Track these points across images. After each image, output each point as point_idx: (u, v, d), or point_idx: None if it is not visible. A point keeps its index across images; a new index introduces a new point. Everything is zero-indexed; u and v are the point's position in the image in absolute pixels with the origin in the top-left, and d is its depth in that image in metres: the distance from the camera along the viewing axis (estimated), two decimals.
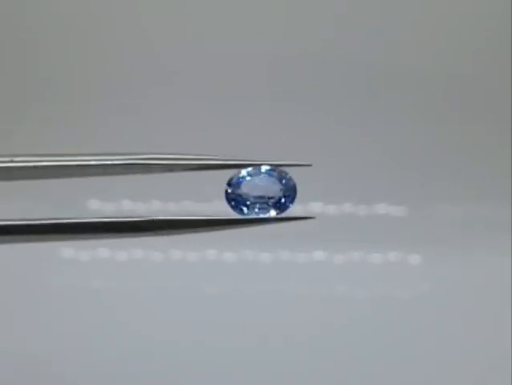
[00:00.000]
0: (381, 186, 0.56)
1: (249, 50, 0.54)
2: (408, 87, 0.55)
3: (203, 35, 0.54)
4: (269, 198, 0.27)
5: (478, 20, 0.53)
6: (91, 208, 0.56)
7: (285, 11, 0.54)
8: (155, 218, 0.25)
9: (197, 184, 0.48)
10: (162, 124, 0.55)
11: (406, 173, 0.56)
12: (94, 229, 0.25)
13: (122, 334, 0.49)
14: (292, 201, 0.27)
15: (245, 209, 0.26)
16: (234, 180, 0.27)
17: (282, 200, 0.27)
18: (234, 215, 0.26)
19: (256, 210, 0.26)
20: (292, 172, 0.55)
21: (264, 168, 0.27)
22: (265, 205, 0.26)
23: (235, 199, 0.27)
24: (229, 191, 0.27)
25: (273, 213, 0.26)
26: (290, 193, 0.27)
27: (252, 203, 0.26)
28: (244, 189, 0.27)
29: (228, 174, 0.27)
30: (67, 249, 0.55)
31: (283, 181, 0.27)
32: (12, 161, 0.25)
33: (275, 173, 0.27)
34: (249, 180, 0.27)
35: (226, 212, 0.27)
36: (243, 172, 0.27)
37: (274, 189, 0.27)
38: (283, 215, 0.26)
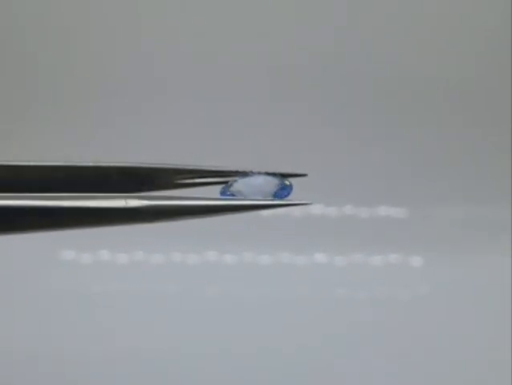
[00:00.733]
0: (382, 188, 0.56)
1: (249, 58, 0.54)
2: (409, 89, 0.55)
3: (203, 36, 0.54)
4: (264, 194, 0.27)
5: (478, 20, 0.53)
6: None
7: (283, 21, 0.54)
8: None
9: None
10: (162, 125, 0.55)
11: (407, 175, 0.56)
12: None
13: (122, 335, 0.49)
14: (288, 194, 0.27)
15: None
16: (230, 182, 0.27)
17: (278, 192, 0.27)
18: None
19: None
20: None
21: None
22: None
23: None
24: (224, 190, 0.27)
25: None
26: (285, 188, 0.27)
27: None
28: (239, 187, 0.27)
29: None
30: (68, 252, 0.55)
31: (278, 182, 0.27)
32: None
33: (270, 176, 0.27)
34: (243, 180, 0.27)
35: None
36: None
37: (269, 185, 0.27)
38: (280, 201, 0.26)
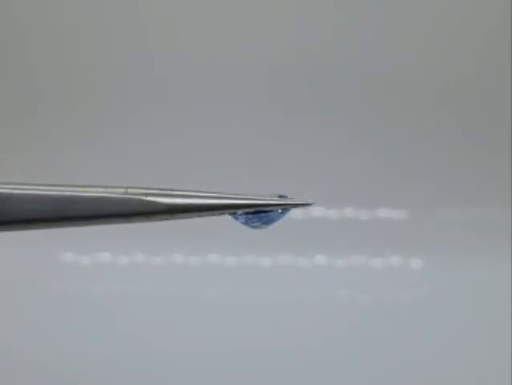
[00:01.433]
0: (382, 190, 0.56)
1: (249, 58, 0.54)
2: (409, 89, 0.55)
3: (203, 36, 0.54)
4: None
5: (478, 20, 0.53)
6: None
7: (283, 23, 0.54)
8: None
9: None
10: (162, 125, 0.55)
11: (407, 178, 0.56)
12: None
13: (122, 336, 0.49)
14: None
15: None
16: None
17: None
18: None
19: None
20: (294, 175, 0.54)
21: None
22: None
23: None
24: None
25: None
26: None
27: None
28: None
29: None
30: (68, 254, 0.55)
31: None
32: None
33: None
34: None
35: None
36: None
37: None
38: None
